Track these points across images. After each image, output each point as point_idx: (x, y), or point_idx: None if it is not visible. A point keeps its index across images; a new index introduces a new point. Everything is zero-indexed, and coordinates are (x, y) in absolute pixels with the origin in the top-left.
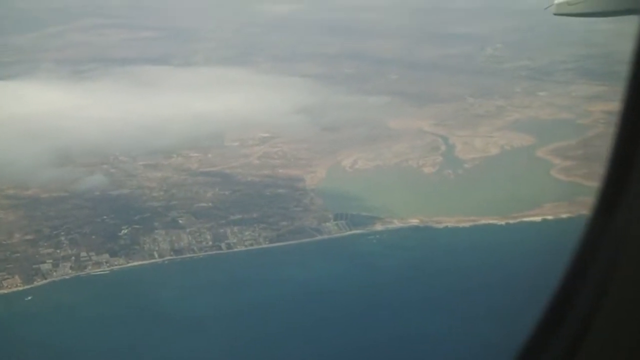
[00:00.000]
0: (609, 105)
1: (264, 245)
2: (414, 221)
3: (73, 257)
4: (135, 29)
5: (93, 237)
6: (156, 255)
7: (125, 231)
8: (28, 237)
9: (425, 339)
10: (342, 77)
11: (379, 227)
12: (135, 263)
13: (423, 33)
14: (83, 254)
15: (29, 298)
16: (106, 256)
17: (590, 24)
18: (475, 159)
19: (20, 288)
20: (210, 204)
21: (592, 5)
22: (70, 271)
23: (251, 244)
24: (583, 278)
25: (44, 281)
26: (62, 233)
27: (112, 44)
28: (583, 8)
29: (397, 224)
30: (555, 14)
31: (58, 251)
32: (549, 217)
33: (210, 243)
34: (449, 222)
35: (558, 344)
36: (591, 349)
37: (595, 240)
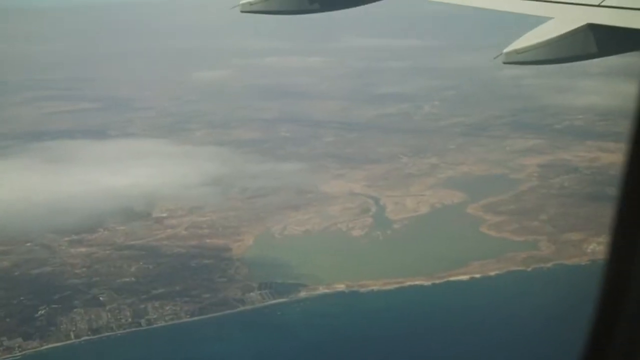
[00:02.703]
0: (542, 158)
1: (185, 319)
2: (340, 286)
3: None
4: (75, 100)
5: (7, 320)
6: (72, 336)
7: (42, 312)
8: None
9: None
10: (278, 140)
11: (303, 294)
12: (50, 345)
13: (359, 94)
14: None
15: None
16: (19, 340)
17: (522, 78)
18: (405, 219)
19: None
20: (133, 278)
21: (540, 53)
22: None
23: (172, 319)
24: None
25: None
26: None
27: (48, 117)
28: (532, 56)
29: (322, 290)
30: (504, 63)
31: None
32: (477, 275)
33: (130, 320)
34: (375, 285)
35: None
36: None
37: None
